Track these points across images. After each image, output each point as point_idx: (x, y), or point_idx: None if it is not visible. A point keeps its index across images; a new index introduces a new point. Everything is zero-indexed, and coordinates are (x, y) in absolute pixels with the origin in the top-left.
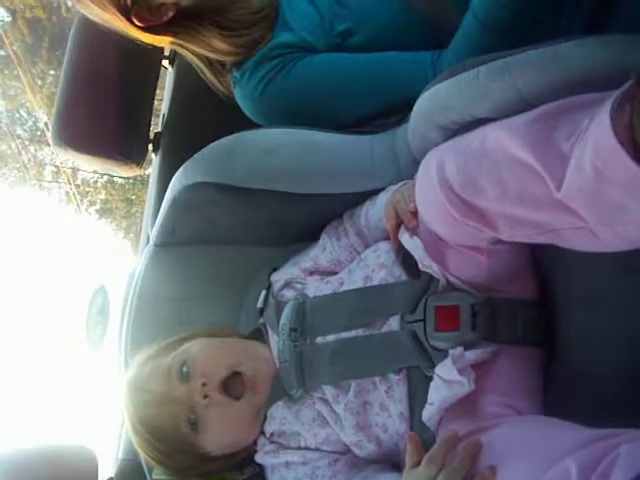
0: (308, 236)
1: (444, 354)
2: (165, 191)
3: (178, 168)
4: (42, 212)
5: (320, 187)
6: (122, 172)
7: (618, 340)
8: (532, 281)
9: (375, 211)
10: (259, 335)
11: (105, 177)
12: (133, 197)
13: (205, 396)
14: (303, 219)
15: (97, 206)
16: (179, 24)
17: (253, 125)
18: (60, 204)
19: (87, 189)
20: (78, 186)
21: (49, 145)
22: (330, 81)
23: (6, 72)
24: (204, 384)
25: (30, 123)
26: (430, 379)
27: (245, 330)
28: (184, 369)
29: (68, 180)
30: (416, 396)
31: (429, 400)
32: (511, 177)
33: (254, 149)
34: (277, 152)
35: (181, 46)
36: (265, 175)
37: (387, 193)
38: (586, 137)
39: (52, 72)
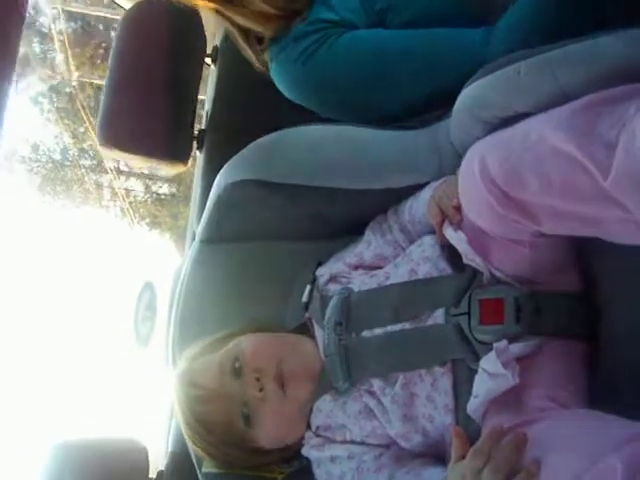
0: (352, 231)
1: (489, 347)
2: (210, 188)
3: (222, 165)
4: (102, 227)
5: (365, 183)
6: (168, 170)
7: None
8: (576, 274)
9: (419, 207)
10: (305, 329)
11: (154, 195)
12: (178, 213)
13: (261, 389)
14: (347, 215)
15: (147, 220)
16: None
17: (296, 122)
18: (116, 219)
19: (138, 205)
20: (131, 203)
21: (107, 172)
22: (375, 58)
23: (76, 118)
24: (257, 379)
25: (92, 154)
26: (475, 372)
27: (291, 325)
28: (236, 364)
29: (122, 198)
30: (461, 388)
31: (474, 393)
32: (555, 170)
33: (297, 146)
34: (320, 148)
35: (222, 14)
36: (308, 171)
37: (430, 189)
38: (633, 122)
39: None
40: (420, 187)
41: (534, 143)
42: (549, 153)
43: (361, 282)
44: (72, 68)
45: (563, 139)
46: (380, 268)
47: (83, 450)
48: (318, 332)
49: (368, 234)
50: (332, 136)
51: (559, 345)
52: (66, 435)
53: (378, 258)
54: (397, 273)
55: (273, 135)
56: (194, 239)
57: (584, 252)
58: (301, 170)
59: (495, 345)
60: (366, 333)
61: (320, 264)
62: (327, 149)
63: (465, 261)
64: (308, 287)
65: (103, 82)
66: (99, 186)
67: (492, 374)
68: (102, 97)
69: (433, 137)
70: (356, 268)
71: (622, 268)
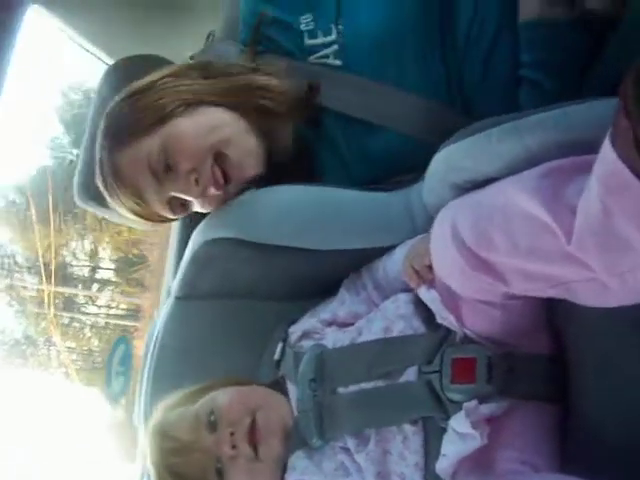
0: (327, 290)
1: (459, 406)
2: (186, 245)
3: (199, 222)
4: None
5: (337, 243)
6: (145, 226)
7: (631, 399)
8: (548, 337)
9: (393, 265)
10: (277, 387)
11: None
12: None
13: (233, 446)
14: (321, 274)
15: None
16: None
17: (276, 182)
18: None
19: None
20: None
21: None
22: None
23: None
24: (232, 433)
25: None
26: (445, 430)
27: (264, 382)
28: (212, 418)
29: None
30: (432, 447)
31: (442, 452)
32: (522, 231)
33: (273, 206)
34: (295, 209)
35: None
36: (283, 232)
37: (404, 247)
38: (590, 179)
39: None
40: (394, 246)
41: (503, 205)
42: (517, 215)
43: (334, 338)
44: None
45: (531, 202)
46: (353, 325)
47: None
48: (291, 389)
49: (342, 292)
50: (307, 197)
51: (531, 407)
52: None
53: (352, 316)
54: (371, 329)
55: (250, 194)
56: (169, 295)
57: (555, 314)
58: (276, 230)
59: (465, 405)
60: (341, 390)
61: (293, 323)
62: (302, 210)
63: (438, 320)
64: (280, 344)
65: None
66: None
67: (461, 434)
68: (81, 152)
69: (406, 199)
70: (329, 325)
71: (591, 332)
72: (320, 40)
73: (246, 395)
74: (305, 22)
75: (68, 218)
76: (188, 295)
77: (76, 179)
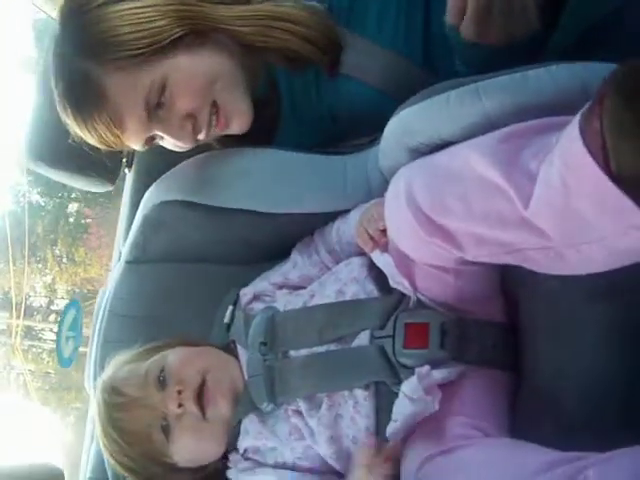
0: (279, 255)
1: (411, 371)
2: (137, 208)
3: (150, 185)
4: None
5: (291, 207)
6: (95, 188)
7: (583, 367)
8: (501, 304)
9: (347, 228)
10: (229, 351)
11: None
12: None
13: (180, 405)
14: (274, 238)
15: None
16: None
17: (227, 144)
18: None
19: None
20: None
21: None
22: None
23: None
24: (179, 392)
25: None
26: (397, 395)
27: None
28: (162, 375)
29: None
30: (383, 412)
31: (393, 416)
32: (478, 195)
33: (224, 169)
34: (247, 172)
35: None
36: (236, 194)
37: (359, 210)
38: (554, 152)
39: None
40: (349, 211)
41: (459, 169)
42: (473, 179)
43: (286, 301)
44: None
45: (487, 166)
46: (304, 288)
47: None
48: (242, 352)
49: (294, 254)
50: (260, 160)
51: (483, 374)
52: None
53: (304, 279)
54: (324, 292)
55: (202, 156)
56: (119, 260)
57: (509, 282)
58: (228, 193)
59: (417, 369)
60: (292, 353)
61: (245, 285)
62: (254, 173)
63: (392, 284)
64: (230, 307)
65: None
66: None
67: (412, 399)
68: (31, 112)
69: (363, 163)
70: (281, 288)
71: (544, 300)
72: None
73: (198, 355)
74: None
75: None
76: (138, 259)
77: (26, 139)
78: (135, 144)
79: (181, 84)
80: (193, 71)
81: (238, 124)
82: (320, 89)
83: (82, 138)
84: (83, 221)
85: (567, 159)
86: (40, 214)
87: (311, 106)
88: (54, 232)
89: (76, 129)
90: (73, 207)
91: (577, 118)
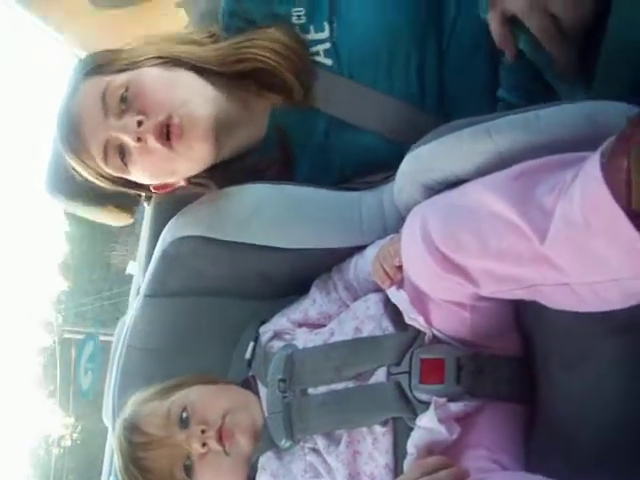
0: (297, 290)
1: (428, 406)
2: (156, 241)
3: (170, 219)
4: None
5: (307, 242)
6: (113, 222)
7: (598, 402)
8: (517, 339)
9: (364, 265)
10: (248, 387)
11: None
12: None
13: (203, 444)
14: (291, 273)
15: None
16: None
17: (244, 181)
18: None
19: None
20: None
21: None
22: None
23: None
24: (203, 431)
25: None
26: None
27: (235, 381)
28: (184, 414)
29: None
30: (401, 448)
31: (409, 450)
32: (492, 232)
33: (242, 204)
34: (264, 207)
35: None
36: (252, 230)
37: (375, 247)
38: (573, 189)
39: None
40: (365, 247)
41: (473, 206)
42: (487, 216)
43: (305, 339)
44: None
45: (501, 203)
46: (324, 326)
47: None
48: (262, 390)
49: (313, 291)
50: (276, 195)
51: (499, 407)
52: None
53: (323, 316)
54: (342, 330)
55: (219, 192)
56: (139, 293)
57: (524, 316)
58: (245, 229)
59: (434, 399)
60: (310, 391)
61: (264, 322)
62: (271, 208)
63: (407, 321)
64: (251, 344)
65: None
66: None
67: (427, 428)
68: (50, 145)
69: (378, 199)
70: (300, 326)
71: (558, 334)
72: (311, 35)
73: (220, 393)
74: (297, 15)
75: None
76: (157, 293)
77: (46, 174)
78: (96, 153)
79: (139, 88)
80: (154, 79)
81: (195, 138)
82: (330, 141)
83: (86, 177)
84: None
85: (588, 196)
86: None
87: (321, 153)
88: None
89: (74, 165)
90: None
91: (597, 156)
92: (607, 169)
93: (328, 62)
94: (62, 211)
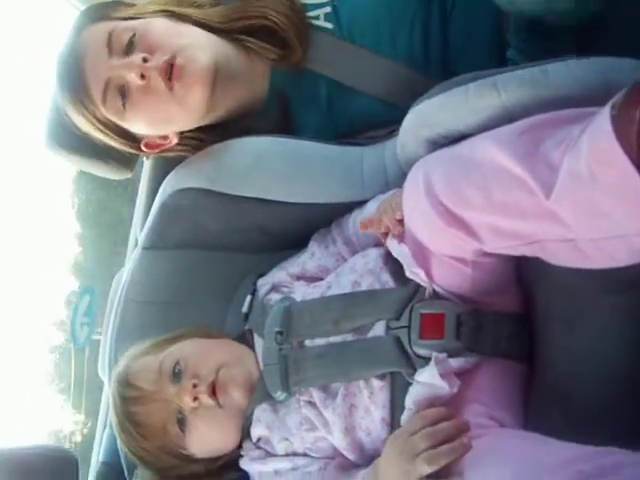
0: (296, 244)
1: (427, 362)
2: (155, 195)
3: (168, 172)
4: None
5: (307, 197)
6: (113, 175)
7: (598, 358)
8: (517, 296)
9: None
10: (244, 340)
11: None
12: None
13: (195, 398)
14: (290, 227)
15: None
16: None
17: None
18: None
19: None
20: None
21: None
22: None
23: None
24: (195, 385)
25: None
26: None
27: (231, 335)
28: (177, 368)
29: None
30: (399, 402)
31: (407, 405)
32: (497, 186)
33: (243, 157)
34: (265, 161)
35: None
36: (253, 183)
37: (376, 201)
38: (580, 143)
39: None
40: (366, 202)
41: (478, 160)
42: (493, 170)
43: (303, 292)
44: None
45: (507, 157)
46: (322, 280)
47: (4, 460)
48: (258, 342)
49: (312, 245)
50: (278, 149)
51: (498, 364)
52: None
53: (321, 269)
54: (340, 283)
55: (220, 145)
56: (136, 245)
57: (525, 274)
58: (246, 182)
59: (434, 355)
60: (308, 343)
61: (262, 275)
62: (272, 162)
63: (408, 274)
64: (248, 297)
65: None
66: None
67: (427, 383)
68: (49, 99)
69: (380, 154)
70: (298, 279)
71: (559, 292)
72: (311, 0)
73: (213, 348)
74: None
75: None
76: (155, 245)
77: (45, 129)
78: (97, 93)
79: (144, 33)
80: (158, 27)
81: (194, 80)
82: (332, 106)
83: (82, 128)
84: None
85: (596, 150)
86: None
87: (323, 121)
88: None
89: (72, 113)
90: None
91: (607, 109)
92: (618, 121)
93: (329, 26)
94: (73, 214)
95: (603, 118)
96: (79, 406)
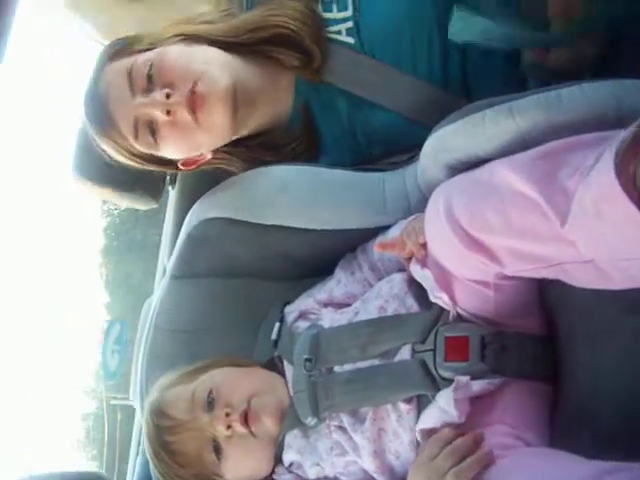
0: (322, 271)
1: (451, 384)
2: (181, 224)
3: (194, 201)
4: None
5: (331, 223)
6: (139, 205)
7: (624, 374)
8: (539, 318)
9: None
10: (274, 367)
11: None
12: None
13: (228, 427)
14: (315, 254)
15: None
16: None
17: (271, 163)
18: None
19: None
20: None
21: None
22: None
23: None
24: (227, 414)
25: None
26: None
27: (260, 361)
28: (210, 397)
29: None
30: None
31: (417, 426)
32: (515, 210)
33: (267, 185)
34: (289, 189)
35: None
36: (277, 211)
37: (399, 227)
38: (590, 177)
39: None
40: (389, 227)
41: (496, 185)
42: (510, 195)
43: (331, 319)
44: None
45: (524, 182)
46: (349, 306)
47: None
48: (287, 369)
49: (338, 271)
50: (301, 177)
51: (523, 385)
52: (29, 468)
53: (348, 296)
54: (367, 309)
55: (244, 174)
56: (164, 274)
57: (547, 295)
58: (270, 210)
59: (457, 378)
60: (336, 369)
61: (288, 303)
62: (296, 190)
63: (432, 299)
64: (277, 325)
65: None
66: None
67: (441, 408)
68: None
69: (401, 179)
70: (326, 305)
71: (582, 312)
72: (334, 14)
73: (244, 376)
74: None
75: None
76: (184, 274)
77: (73, 160)
78: (127, 131)
79: (163, 62)
80: (176, 54)
81: (215, 105)
82: (352, 118)
83: (116, 159)
84: None
85: (601, 189)
86: None
87: (344, 133)
88: None
89: (104, 147)
90: None
91: (611, 156)
92: (619, 169)
93: (350, 40)
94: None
95: (607, 166)
96: (112, 472)
